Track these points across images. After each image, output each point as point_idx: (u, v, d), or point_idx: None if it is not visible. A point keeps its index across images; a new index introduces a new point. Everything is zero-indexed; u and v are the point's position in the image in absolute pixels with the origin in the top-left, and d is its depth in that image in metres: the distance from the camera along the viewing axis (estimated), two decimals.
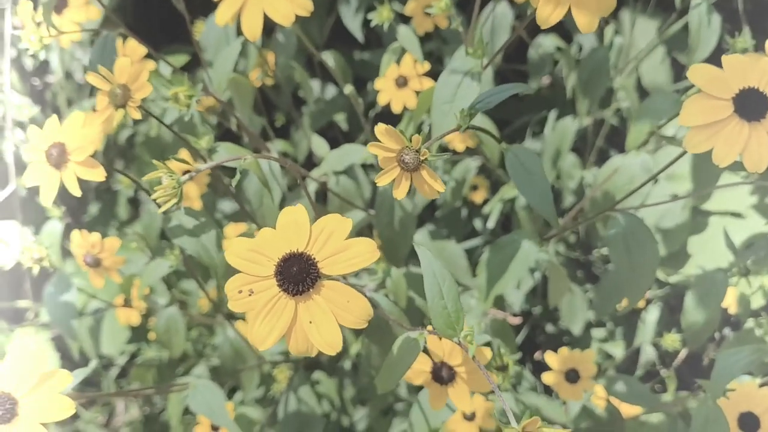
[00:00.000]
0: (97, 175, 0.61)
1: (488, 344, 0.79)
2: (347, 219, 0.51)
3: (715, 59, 0.70)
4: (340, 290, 0.50)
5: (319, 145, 1.15)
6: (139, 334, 1.59)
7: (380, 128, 0.59)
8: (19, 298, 1.62)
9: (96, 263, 0.89)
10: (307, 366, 1.40)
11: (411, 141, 0.59)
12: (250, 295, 0.50)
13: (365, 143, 1.50)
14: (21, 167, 1.46)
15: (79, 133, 0.61)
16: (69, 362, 1.41)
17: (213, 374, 1.23)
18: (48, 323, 1.50)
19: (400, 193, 0.62)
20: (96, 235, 0.89)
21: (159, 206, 0.59)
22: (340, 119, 1.48)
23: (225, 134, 1.34)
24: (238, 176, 0.60)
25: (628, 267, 0.76)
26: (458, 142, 1.34)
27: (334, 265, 0.50)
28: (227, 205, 1.45)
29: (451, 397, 0.70)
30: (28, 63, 1.77)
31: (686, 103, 0.59)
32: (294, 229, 0.51)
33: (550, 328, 1.60)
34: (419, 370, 0.69)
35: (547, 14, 0.59)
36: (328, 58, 1.12)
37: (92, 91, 1.87)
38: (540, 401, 1.15)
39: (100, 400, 1.69)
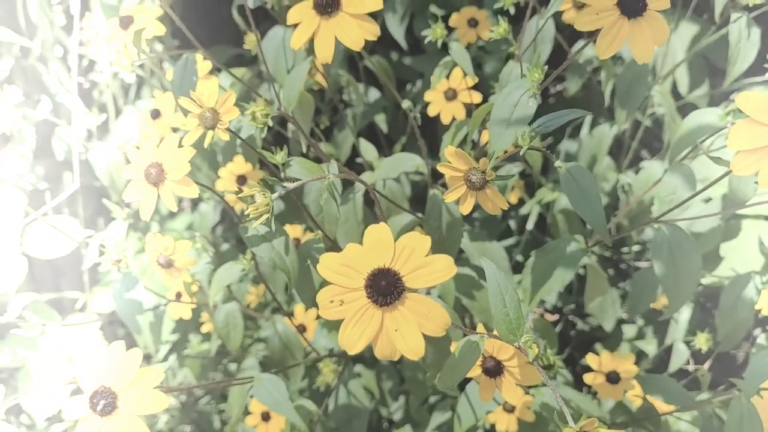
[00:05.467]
0: (191, 192, 0.67)
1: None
2: (426, 237, 0.57)
3: (754, 71, 0.73)
4: (422, 302, 0.56)
5: (368, 150, 1.21)
6: (179, 327, 1.66)
7: (450, 150, 0.64)
8: (63, 288, 1.69)
9: (169, 264, 0.95)
10: (352, 360, 1.45)
11: (478, 163, 0.64)
12: (340, 304, 0.56)
13: (404, 145, 1.56)
14: (84, 166, 1.53)
15: (175, 154, 0.67)
16: None
17: (262, 367, 1.29)
18: (96, 313, 1.57)
19: (465, 208, 0.67)
20: (169, 238, 0.95)
21: (250, 220, 0.65)
22: (380, 120, 1.53)
23: (276, 136, 1.40)
24: (325, 195, 0.65)
25: (674, 276, 0.81)
26: None
27: (416, 279, 0.56)
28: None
29: (499, 389, 0.75)
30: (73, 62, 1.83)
31: (733, 129, 0.63)
32: (379, 245, 0.57)
33: (581, 325, 1.64)
34: None
35: (606, 46, 0.64)
36: (372, 63, 1.16)
37: (138, 91, 1.93)
38: (575, 395, 1.20)
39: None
